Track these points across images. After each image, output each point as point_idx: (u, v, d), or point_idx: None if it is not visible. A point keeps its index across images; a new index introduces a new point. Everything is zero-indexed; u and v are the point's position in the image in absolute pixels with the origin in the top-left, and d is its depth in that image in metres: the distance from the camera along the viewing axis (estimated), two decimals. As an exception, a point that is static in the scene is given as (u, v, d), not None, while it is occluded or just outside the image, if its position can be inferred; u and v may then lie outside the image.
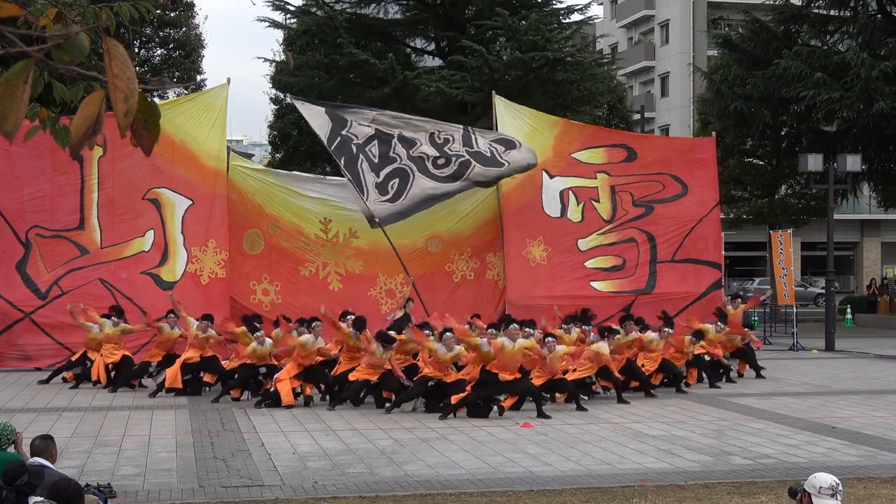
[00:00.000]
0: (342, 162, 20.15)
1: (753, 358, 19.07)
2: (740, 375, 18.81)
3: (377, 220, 19.86)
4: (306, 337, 15.37)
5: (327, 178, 22.75)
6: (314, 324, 15.66)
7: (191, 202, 20.40)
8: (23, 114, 2.19)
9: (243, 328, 16.58)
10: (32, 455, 7.48)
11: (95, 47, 2.33)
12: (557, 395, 15.43)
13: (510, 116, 21.83)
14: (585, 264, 21.53)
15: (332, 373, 15.72)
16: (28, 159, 19.55)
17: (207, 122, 20.57)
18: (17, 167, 19.76)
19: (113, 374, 16.98)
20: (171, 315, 17.05)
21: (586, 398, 15.31)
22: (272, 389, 15.17)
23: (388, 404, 14.70)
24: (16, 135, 2.24)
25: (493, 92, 22.33)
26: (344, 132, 20.23)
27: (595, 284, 21.27)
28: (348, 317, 16.29)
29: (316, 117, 20.62)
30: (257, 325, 16.34)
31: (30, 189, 19.86)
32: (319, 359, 15.70)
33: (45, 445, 7.54)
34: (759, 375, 18.79)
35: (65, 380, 17.60)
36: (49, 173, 19.86)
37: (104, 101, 2.20)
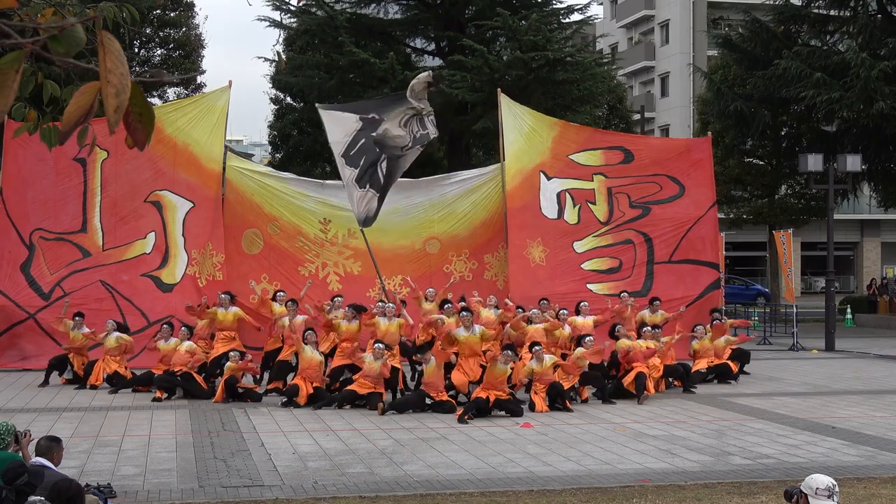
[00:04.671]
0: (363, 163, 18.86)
1: (735, 368, 18.48)
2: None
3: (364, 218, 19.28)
4: (285, 319, 16.22)
5: (327, 182, 22.75)
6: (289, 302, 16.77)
7: (192, 205, 20.46)
8: (11, 101, 2.20)
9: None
10: (37, 455, 7.49)
11: (92, 44, 2.34)
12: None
13: (512, 115, 21.88)
14: (582, 266, 21.54)
15: (327, 369, 15.87)
16: (32, 162, 19.63)
17: (209, 125, 20.62)
18: (23, 169, 19.85)
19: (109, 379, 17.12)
20: (166, 327, 16.99)
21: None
22: (290, 385, 15.31)
23: (383, 404, 14.73)
24: (2, 120, 2.26)
25: (499, 90, 22.36)
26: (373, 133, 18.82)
27: (591, 286, 21.26)
28: (336, 299, 17.25)
29: (339, 123, 19.12)
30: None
31: (33, 192, 19.96)
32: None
33: (49, 446, 7.55)
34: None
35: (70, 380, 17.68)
36: (51, 177, 19.94)
37: (99, 92, 2.21)
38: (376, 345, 15.23)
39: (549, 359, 15.10)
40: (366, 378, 14.92)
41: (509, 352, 14.59)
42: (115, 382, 16.81)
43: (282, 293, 18.24)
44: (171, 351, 16.49)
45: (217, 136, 20.78)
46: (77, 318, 17.61)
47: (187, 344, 16.44)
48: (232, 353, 15.91)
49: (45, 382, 17.24)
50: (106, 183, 20.21)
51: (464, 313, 15.89)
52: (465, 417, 13.71)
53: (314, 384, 15.22)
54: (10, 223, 19.81)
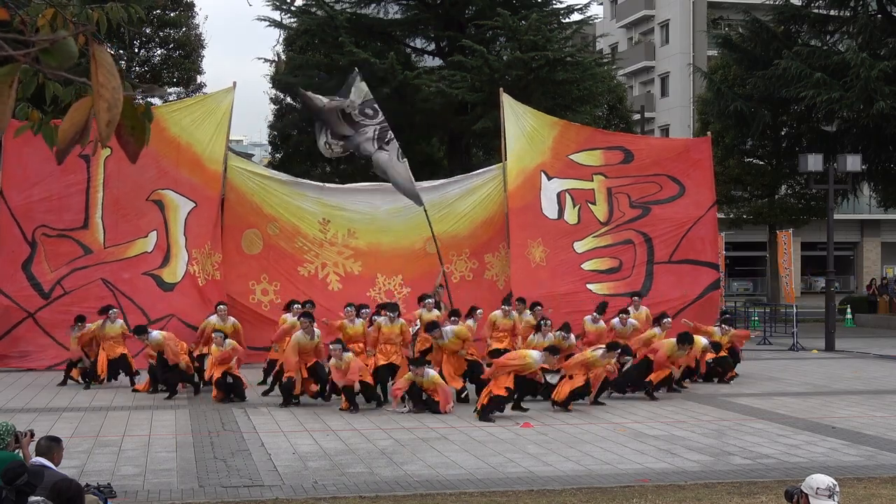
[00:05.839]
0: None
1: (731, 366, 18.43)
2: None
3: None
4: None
5: (326, 185, 22.78)
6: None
7: (194, 204, 20.46)
8: (9, 115, 2.20)
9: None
10: (37, 455, 7.48)
11: (87, 54, 2.35)
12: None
13: (514, 115, 21.91)
14: (582, 266, 21.54)
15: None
16: (38, 160, 19.60)
17: (212, 125, 20.63)
18: (27, 168, 19.82)
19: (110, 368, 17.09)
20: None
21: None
22: (285, 378, 15.17)
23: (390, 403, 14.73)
24: (2, 135, 2.28)
25: (501, 90, 22.38)
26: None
27: (591, 287, 21.26)
28: (347, 308, 16.61)
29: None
30: None
31: (39, 189, 19.94)
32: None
33: (49, 446, 7.54)
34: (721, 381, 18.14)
35: (74, 380, 17.43)
36: (57, 173, 19.89)
37: (92, 107, 2.21)
38: (332, 346, 14.84)
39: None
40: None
41: (553, 355, 14.63)
42: (123, 367, 16.78)
43: (297, 305, 17.70)
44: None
45: (220, 137, 20.79)
46: (79, 324, 17.36)
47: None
48: (215, 335, 15.68)
49: (87, 385, 17.09)
50: (108, 180, 20.19)
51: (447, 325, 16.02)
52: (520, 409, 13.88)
53: (308, 364, 15.09)
54: (13, 222, 19.79)
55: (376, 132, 20.42)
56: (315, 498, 9.26)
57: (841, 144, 33.43)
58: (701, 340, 16.85)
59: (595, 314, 17.43)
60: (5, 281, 19.54)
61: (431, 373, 14.65)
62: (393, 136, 20.76)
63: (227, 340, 15.70)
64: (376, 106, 20.84)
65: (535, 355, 14.32)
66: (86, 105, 2.21)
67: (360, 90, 20.60)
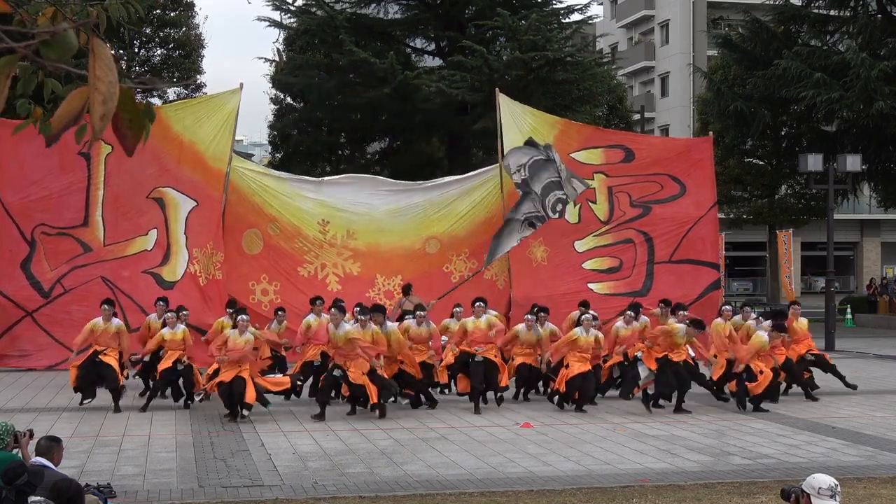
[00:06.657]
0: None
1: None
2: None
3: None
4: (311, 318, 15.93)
5: (325, 179, 22.77)
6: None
7: (195, 203, 20.41)
8: (1, 106, 2.20)
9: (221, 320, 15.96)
10: (37, 455, 7.48)
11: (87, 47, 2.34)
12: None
13: (511, 115, 21.84)
14: (583, 265, 21.52)
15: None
16: (36, 158, 19.53)
17: (216, 124, 20.59)
18: (25, 166, 19.75)
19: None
20: (160, 303, 16.34)
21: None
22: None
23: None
24: None
25: (497, 90, 22.34)
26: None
27: (592, 286, 21.24)
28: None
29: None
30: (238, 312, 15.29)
31: (37, 188, 19.88)
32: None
33: (48, 446, 7.54)
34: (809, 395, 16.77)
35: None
36: (56, 172, 19.84)
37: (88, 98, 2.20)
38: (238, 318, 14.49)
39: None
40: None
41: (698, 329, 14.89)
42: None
43: (319, 301, 16.97)
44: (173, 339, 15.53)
45: (225, 137, 20.70)
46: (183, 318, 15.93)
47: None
48: (169, 315, 15.19)
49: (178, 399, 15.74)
50: (109, 177, 20.12)
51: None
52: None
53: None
54: (10, 221, 19.75)
55: (536, 215, 20.45)
56: (315, 498, 9.26)
57: (841, 144, 33.44)
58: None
59: (629, 312, 15.96)
60: (4, 280, 19.50)
61: (372, 326, 14.06)
62: (536, 228, 20.72)
63: (180, 325, 15.08)
64: (562, 209, 20.76)
65: (680, 326, 14.66)
66: (84, 94, 2.20)
67: (573, 190, 20.68)
